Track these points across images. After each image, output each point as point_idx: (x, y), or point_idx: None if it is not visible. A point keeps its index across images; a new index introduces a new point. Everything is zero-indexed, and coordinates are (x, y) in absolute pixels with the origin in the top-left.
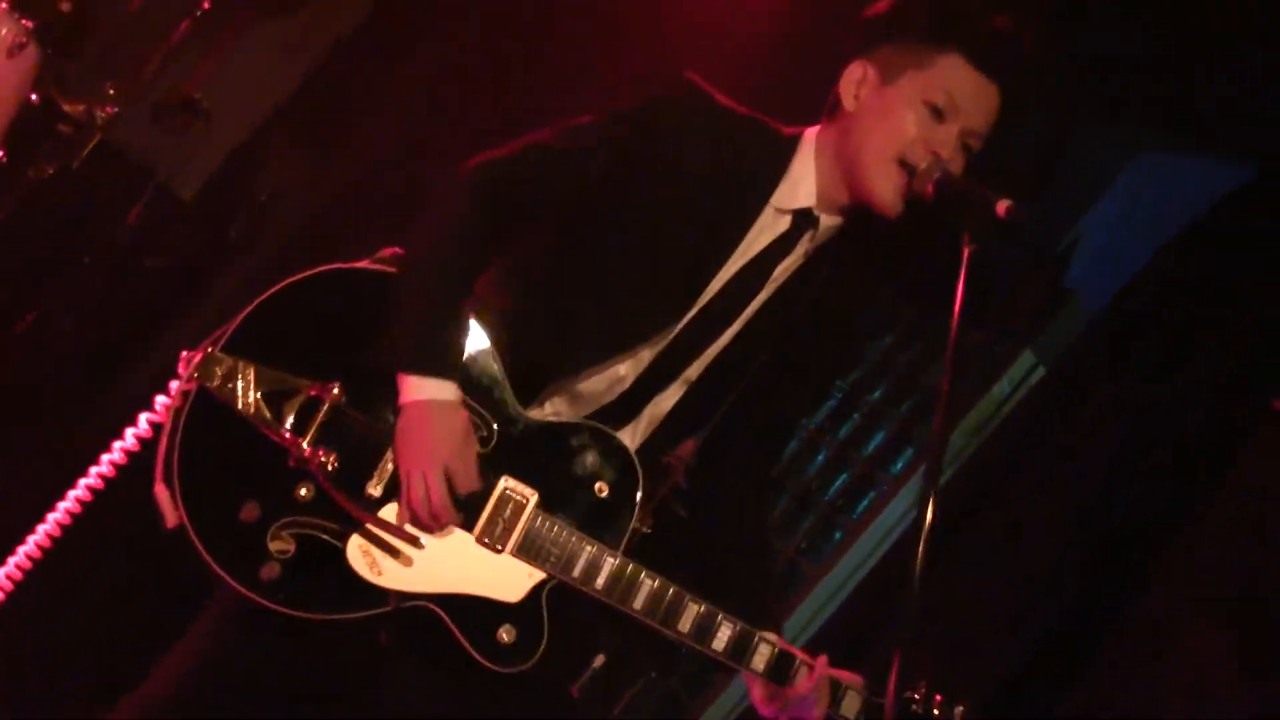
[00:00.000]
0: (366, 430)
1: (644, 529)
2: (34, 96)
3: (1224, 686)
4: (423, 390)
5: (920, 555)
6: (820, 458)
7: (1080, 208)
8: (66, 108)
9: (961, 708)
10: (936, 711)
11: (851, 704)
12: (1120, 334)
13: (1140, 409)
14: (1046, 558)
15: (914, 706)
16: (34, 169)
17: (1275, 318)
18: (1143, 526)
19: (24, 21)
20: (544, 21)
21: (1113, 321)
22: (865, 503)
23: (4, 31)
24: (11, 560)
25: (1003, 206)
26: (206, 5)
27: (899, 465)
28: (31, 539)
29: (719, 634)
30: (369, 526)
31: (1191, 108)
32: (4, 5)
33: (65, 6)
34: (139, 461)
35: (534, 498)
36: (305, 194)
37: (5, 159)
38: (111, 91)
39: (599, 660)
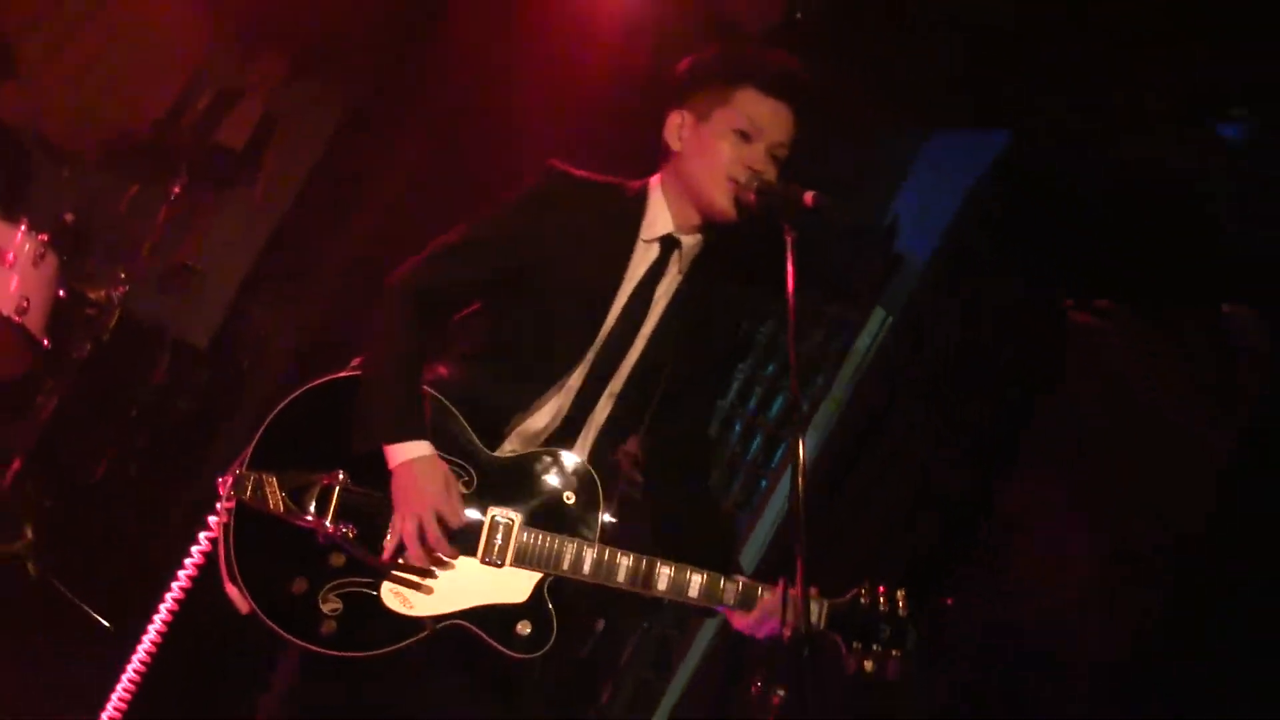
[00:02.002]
0: (372, 500)
1: (613, 519)
2: (61, 293)
3: (1072, 546)
4: (403, 453)
5: (801, 480)
6: (737, 428)
7: (894, 188)
8: (90, 295)
9: (902, 591)
10: (882, 600)
11: (813, 611)
12: (944, 276)
13: (971, 332)
14: (924, 468)
15: (862, 599)
16: (75, 348)
17: (1056, 240)
18: (995, 425)
19: (40, 236)
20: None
21: (936, 268)
22: (779, 454)
23: (28, 248)
24: (136, 656)
25: (809, 197)
26: (177, 190)
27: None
28: (145, 638)
29: (691, 584)
30: (394, 573)
31: (959, 99)
32: (23, 226)
33: (69, 218)
34: (207, 569)
35: (518, 518)
36: (296, 321)
37: (50, 346)
38: (122, 274)
39: (600, 624)
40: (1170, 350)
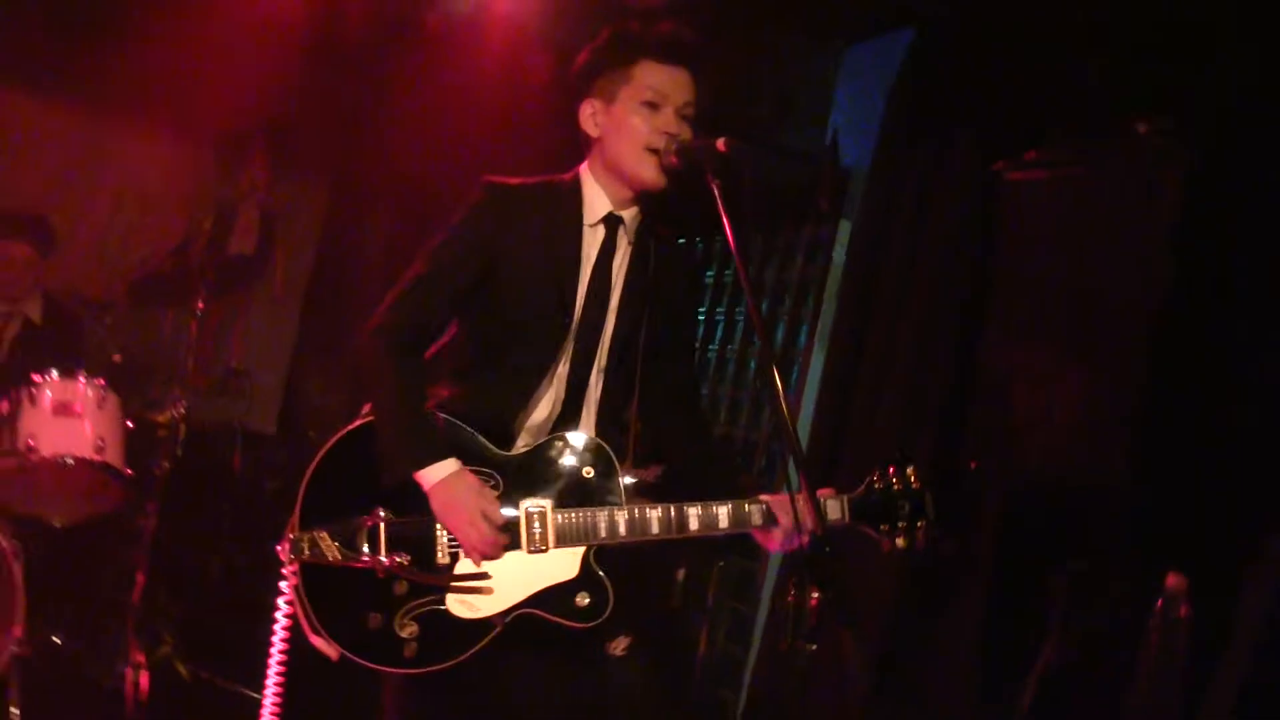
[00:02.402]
0: (416, 526)
1: (632, 479)
2: (130, 424)
3: (1057, 368)
4: (434, 476)
5: (784, 404)
6: (752, 365)
7: (825, 109)
8: (158, 419)
9: (911, 467)
10: (895, 479)
11: (833, 509)
12: (888, 175)
13: (924, 219)
14: (914, 336)
15: (876, 484)
16: (157, 469)
17: (978, 111)
18: (965, 272)
19: (98, 381)
20: None
21: (879, 171)
22: (794, 376)
23: (90, 394)
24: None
25: (721, 143)
26: (201, 306)
27: (802, 341)
28: (266, 701)
29: (720, 517)
30: (453, 584)
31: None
32: (81, 378)
33: (117, 358)
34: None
35: (549, 504)
36: (345, 385)
37: (133, 474)
38: (179, 392)
39: (681, 574)
40: (1096, 183)
